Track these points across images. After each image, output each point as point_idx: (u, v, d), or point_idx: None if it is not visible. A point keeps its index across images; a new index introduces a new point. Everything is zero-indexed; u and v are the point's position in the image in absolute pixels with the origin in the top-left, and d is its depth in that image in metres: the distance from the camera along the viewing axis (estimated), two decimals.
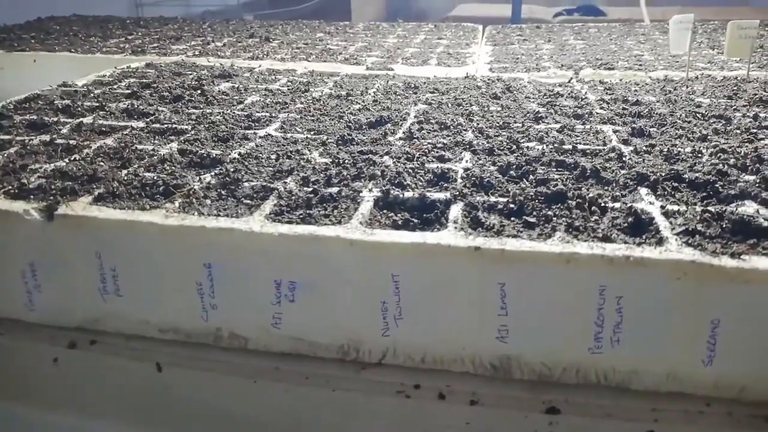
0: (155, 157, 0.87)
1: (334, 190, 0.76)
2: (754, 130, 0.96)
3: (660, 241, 0.62)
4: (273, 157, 0.88)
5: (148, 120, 1.06)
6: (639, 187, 0.75)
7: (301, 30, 2.24)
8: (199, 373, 0.71)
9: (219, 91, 1.27)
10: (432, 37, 2.07)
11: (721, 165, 0.80)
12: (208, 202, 0.74)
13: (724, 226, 0.65)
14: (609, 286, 0.60)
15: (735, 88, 1.24)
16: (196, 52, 1.77)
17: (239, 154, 0.88)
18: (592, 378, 0.65)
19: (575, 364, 0.65)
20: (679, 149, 0.88)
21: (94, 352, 0.75)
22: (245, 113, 1.10)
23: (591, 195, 0.71)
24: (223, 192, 0.76)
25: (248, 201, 0.74)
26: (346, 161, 0.85)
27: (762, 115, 1.05)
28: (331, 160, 0.86)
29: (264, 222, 0.68)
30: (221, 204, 0.74)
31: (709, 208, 0.68)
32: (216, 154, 0.88)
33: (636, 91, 1.25)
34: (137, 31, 2.19)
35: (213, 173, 0.81)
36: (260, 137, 0.97)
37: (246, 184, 0.78)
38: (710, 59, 1.58)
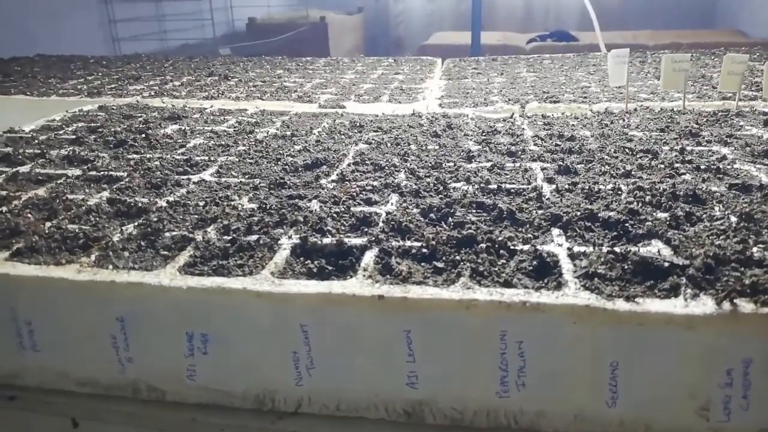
0: (83, 208, 0.87)
1: (253, 238, 0.76)
2: (678, 165, 0.99)
3: (559, 285, 0.63)
4: (201, 204, 0.88)
5: (86, 167, 1.06)
6: (552, 228, 0.77)
7: (262, 67, 2.27)
8: (114, 426, 0.71)
9: (164, 134, 1.28)
10: (389, 72, 2.11)
11: (635, 203, 0.82)
12: (126, 254, 0.74)
13: (625, 267, 0.66)
14: (509, 332, 0.61)
15: (669, 120, 1.28)
16: (152, 93, 1.79)
17: (167, 201, 0.89)
18: (503, 421, 0.65)
19: (485, 408, 0.65)
20: (600, 186, 0.90)
21: (11, 409, 0.75)
22: (185, 157, 1.11)
23: (501, 238, 0.72)
24: (142, 243, 0.77)
25: (165, 252, 0.74)
26: (273, 207, 0.86)
27: (689, 148, 1.08)
28: (258, 205, 0.87)
29: (175, 275, 0.68)
30: (139, 256, 0.74)
31: (616, 248, 0.70)
32: (144, 203, 0.88)
33: (573, 125, 1.28)
34: (98, 71, 2.21)
35: (136, 223, 0.82)
36: (194, 183, 0.98)
37: (167, 234, 0.78)
38: (653, 89, 1.63)
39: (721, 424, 0.61)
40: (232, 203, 0.88)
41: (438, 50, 4.34)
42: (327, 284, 0.65)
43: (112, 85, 1.92)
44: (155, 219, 0.82)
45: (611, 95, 1.58)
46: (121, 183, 0.98)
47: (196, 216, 0.84)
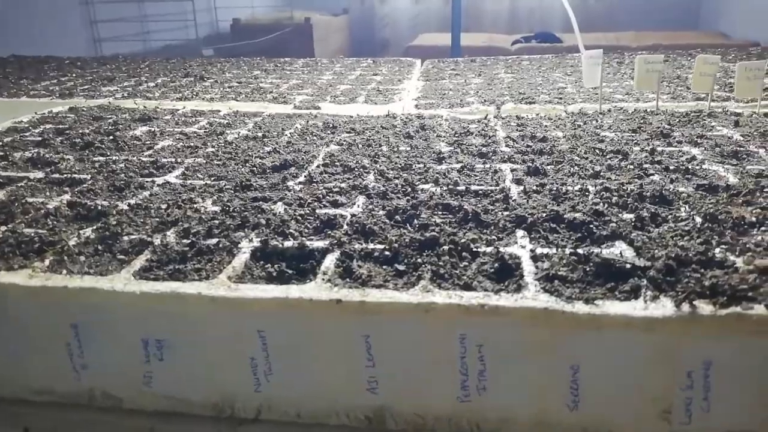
0: (41, 211, 0.85)
1: (213, 241, 0.75)
2: (647, 165, 0.99)
3: (519, 288, 0.62)
4: (163, 207, 0.86)
5: (48, 170, 1.04)
6: (517, 230, 0.76)
7: (239, 67, 2.25)
8: None
9: (132, 136, 1.26)
10: (368, 73, 2.10)
11: (601, 204, 0.81)
12: (82, 258, 0.72)
13: (587, 269, 0.65)
14: (468, 335, 0.60)
15: (642, 120, 1.28)
16: (126, 94, 1.76)
17: (129, 205, 0.87)
18: (465, 427, 0.64)
19: (446, 414, 0.64)
20: (568, 188, 0.90)
21: None
22: (151, 159, 1.09)
23: (463, 240, 0.71)
24: (99, 247, 0.75)
25: (122, 257, 0.72)
26: (236, 209, 0.84)
27: (659, 148, 1.08)
28: (221, 207, 0.85)
29: (129, 280, 0.66)
30: (95, 260, 0.72)
31: (579, 250, 0.69)
32: (104, 206, 0.86)
33: (546, 127, 1.27)
34: (72, 72, 2.17)
35: (95, 227, 0.80)
36: (158, 185, 0.96)
37: (125, 238, 0.77)
38: (629, 90, 1.63)
39: (683, 427, 0.61)
40: (195, 206, 0.87)
41: (423, 51, 4.34)
42: (284, 289, 0.63)
43: (85, 87, 1.89)
44: (114, 223, 0.80)
45: (587, 96, 1.58)
46: (84, 186, 0.96)
47: (157, 219, 0.82)
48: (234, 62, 2.38)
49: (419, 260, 0.68)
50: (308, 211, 0.83)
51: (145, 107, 1.56)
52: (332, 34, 5.20)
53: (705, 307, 0.57)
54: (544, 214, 0.79)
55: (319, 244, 0.73)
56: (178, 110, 1.52)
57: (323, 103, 1.62)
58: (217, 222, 0.80)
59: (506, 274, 0.66)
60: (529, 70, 2.03)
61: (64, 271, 0.69)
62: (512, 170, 0.99)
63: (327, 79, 1.98)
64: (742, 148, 1.07)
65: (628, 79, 1.78)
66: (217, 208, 0.86)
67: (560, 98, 1.56)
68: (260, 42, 4.41)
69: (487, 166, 1.02)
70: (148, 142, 1.22)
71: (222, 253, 0.72)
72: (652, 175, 0.94)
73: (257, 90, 1.79)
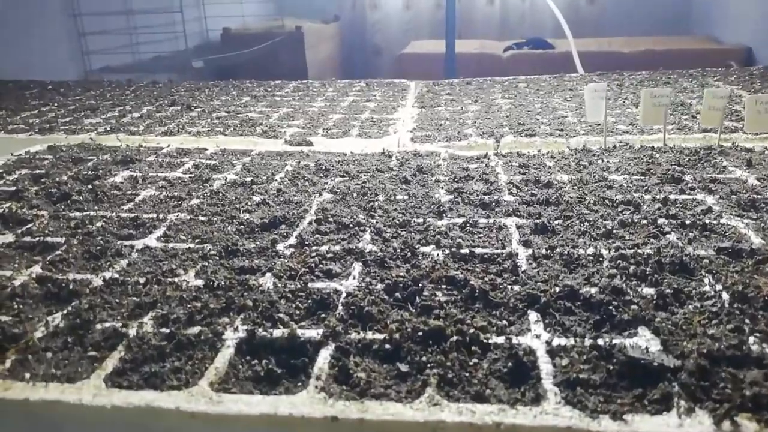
0: (7, 289, 0.78)
1: (195, 330, 0.68)
2: (661, 220, 0.93)
3: (537, 398, 0.55)
4: (141, 281, 0.79)
5: (20, 231, 0.97)
6: (529, 311, 0.69)
7: (228, 93, 2.17)
8: None
9: (112, 184, 1.19)
10: (360, 98, 2.03)
11: (618, 276, 0.75)
12: (49, 355, 0.65)
13: (611, 369, 0.59)
14: None
15: (650, 161, 1.22)
16: (109, 128, 1.68)
17: (104, 280, 0.80)
18: None
19: None
20: (580, 251, 0.83)
21: None
22: (131, 215, 1.02)
23: (472, 330, 0.64)
24: (69, 340, 0.68)
25: (94, 353, 0.65)
26: (221, 284, 0.77)
27: (672, 196, 1.02)
28: (204, 282, 0.78)
29: (100, 388, 0.59)
30: (63, 357, 0.65)
31: (599, 341, 0.63)
32: (78, 282, 0.79)
33: (550, 168, 1.21)
34: (54, 100, 2.09)
35: (66, 311, 0.72)
36: (137, 251, 0.89)
37: (98, 326, 0.69)
38: (632, 120, 1.57)
39: None
40: (177, 280, 0.80)
41: (416, 59, 4.28)
42: (273, 401, 0.56)
43: (67, 119, 1.81)
44: (87, 306, 0.73)
45: (589, 127, 1.52)
46: (57, 253, 0.88)
47: (134, 299, 0.75)
48: (222, 87, 2.31)
49: (424, 358, 0.61)
50: (299, 285, 0.77)
51: (127, 146, 1.48)
52: (324, 41, 5.12)
53: (748, 425, 0.51)
54: (557, 289, 0.72)
55: (311, 333, 0.66)
56: (163, 149, 1.45)
57: (315, 137, 1.55)
58: (199, 305, 0.73)
59: (522, 374, 0.59)
60: (527, 95, 1.97)
61: (27, 375, 0.62)
62: (518, 227, 0.93)
63: (318, 107, 1.91)
64: (759, 196, 1.00)
65: (631, 106, 1.72)
66: (200, 282, 0.79)
67: (561, 130, 1.50)
68: (251, 52, 4.33)
69: (491, 221, 0.96)
70: (129, 192, 1.14)
71: (204, 347, 0.65)
72: (668, 233, 0.88)
73: (246, 122, 1.71)
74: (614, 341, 0.62)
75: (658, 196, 1.02)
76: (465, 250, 0.85)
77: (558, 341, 0.63)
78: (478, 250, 0.85)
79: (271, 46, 4.50)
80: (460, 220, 0.96)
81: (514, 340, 0.64)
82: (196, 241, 0.92)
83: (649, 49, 4.08)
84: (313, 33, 4.74)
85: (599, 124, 1.49)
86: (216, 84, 2.38)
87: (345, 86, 2.28)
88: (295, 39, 4.55)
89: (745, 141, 1.35)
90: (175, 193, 1.13)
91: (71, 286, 0.78)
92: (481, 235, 0.91)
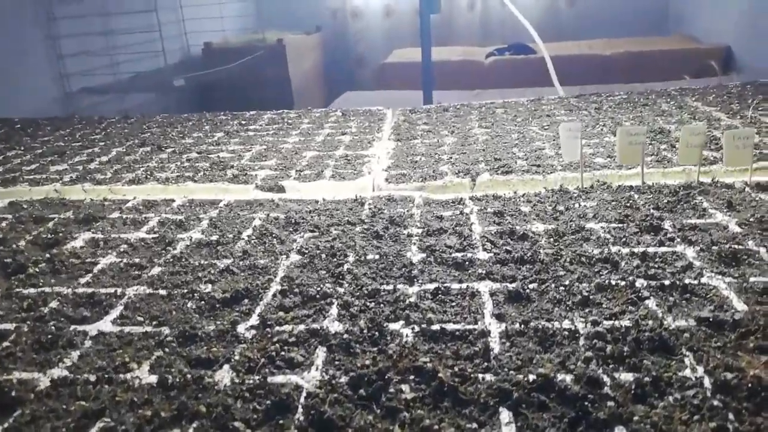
0: None
1: None
2: (640, 281, 0.89)
3: None
4: (92, 380, 0.74)
5: None
6: (501, 408, 0.65)
7: (200, 129, 2.12)
8: None
9: (72, 250, 1.13)
10: (336, 131, 1.98)
11: (595, 360, 0.71)
12: None
13: None
14: None
15: (628, 203, 1.19)
16: (75, 176, 1.63)
17: (52, 380, 0.75)
18: None
19: None
20: (555, 324, 0.79)
21: None
22: (88, 291, 0.97)
23: None
24: None
25: None
26: (175, 382, 0.73)
27: (651, 249, 0.99)
28: (158, 379, 0.74)
29: None
30: None
31: None
32: (22, 385, 0.74)
33: (526, 216, 1.17)
34: (21, 144, 2.03)
35: (5, 425, 0.67)
36: (91, 338, 0.84)
37: None
38: (610, 151, 1.54)
39: None
40: (129, 377, 0.75)
41: (398, 68, 4.25)
42: None
43: (33, 166, 1.75)
44: (29, 418, 0.68)
45: (566, 163, 1.48)
46: (5, 344, 0.83)
47: (82, 404, 0.70)
48: (195, 121, 2.25)
49: None
50: (258, 381, 0.72)
51: (92, 200, 1.43)
52: (306, 53, 5.08)
53: None
54: (531, 379, 0.68)
55: None
56: (128, 202, 1.39)
57: (287, 180, 1.50)
58: (150, 413, 0.68)
59: None
60: (504, 123, 1.93)
61: None
62: (492, 294, 0.89)
63: (293, 143, 1.87)
64: (740, 247, 0.97)
65: (609, 134, 1.69)
66: (154, 379, 0.74)
67: (538, 165, 1.47)
68: (233, 67, 4.28)
69: (464, 285, 0.91)
70: (89, 260, 1.09)
71: None
72: (647, 298, 0.84)
73: (217, 164, 1.67)
74: None
75: (636, 250, 0.99)
76: (435, 327, 0.81)
77: None
78: (449, 327, 0.81)
79: (253, 60, 4.46)
80: (432, 287, 0.92)
81: None
82: (154, 323, 0.87)
83: (629, 50, 4.08)
84: (294, 45, 4.70)
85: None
86: (189, 118, 2.32)
87: (321, 116, 2.24)
88: (277, 52, 4.51)
89: (724, 174, 1.32)
90: (137, 260, 1.08)
91: (14, 394, 0.73)
92: (453, 304, 0.87)
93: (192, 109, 3.36)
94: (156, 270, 1.04)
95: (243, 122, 2.20)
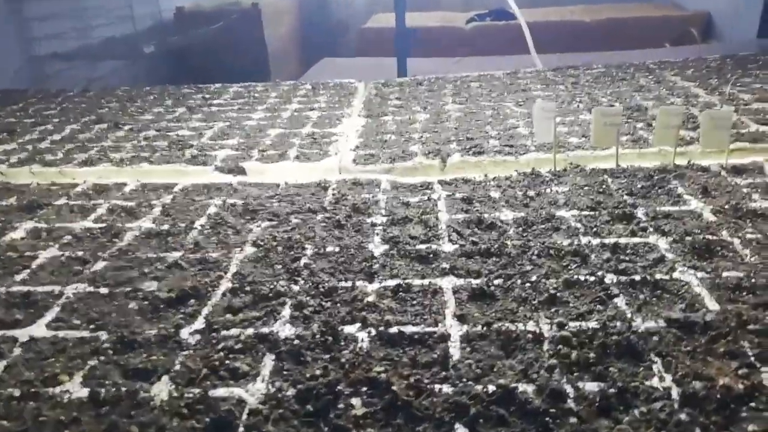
0: None
1: None
2: (609, 277, 0.84)
3: None
4: (16, 396, 0.68)
5: None
6: (456, 424, 0.61)
7: (162, 104, 2.02)
8: None
9: (10, 242, 1.06)
10: (304, 106, 1.90)
11: (559, 369, 0.66)
12: None
13: None
14: None
15: (601, 188, 1.14)
16: (24, 156, 1.54)
17: None
18: None
19: None
20: (519, 326, 0.75)
21: None
22: (23, 290, 0.90)
23: None
24: None
25: None
26: (108, 397, 0.67)
27: (622, 240, 0.94)
28: (89, 394, 0.68)
29: None
30: None
31: None
32: None
33: (495, 202, 1.12)
34: None
35: None
36: (20, 345, 0.78)
37: None
38: (585, 130, 1.48)
39: None
40: (58, 391, 0.69)
41: (377, 33, 4.12)
42: None
43: None
44: None
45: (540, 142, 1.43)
46: None
47: (3, 423, 0.64)
48: (157, 95, 2.15)
49: None
50: (198, 395, 0.67)
51: (38, 184, 1.34)
52: (283, 16, 4.90)
53: None
54: (491, 391, 0.64)
55: None
56: (77, 186, 1.31)
57: (248, 161, 1.43)
58: None
59: None
60: (479, 98, 1.86)
61: None
62: (455, 291, 0.84)
63: (257, 119, 1.78)
64: (714, 237, 0.93)
65: (585, 111, 1.63)
66: (84, 394, 0.68)
67: (511, 145, 1.41)
68: (206, 32, 4.12)
69: (426, 282, 0.86)
70: (28, 253, 1.02)
71: None
72: (617, 296, 0.80)
73: (176, 143, 1.58)
74: None
75: (607, 241, 0.94)
76: (393, 330, 0.76)
77: None
78: (408, 329, 0.76)
79: (227, 24, 4.29)
80: (393, 283, 0.86)
81: None
82: (91, 327, 0.81)
83: (610, 17, 4.02)
84: (270, 8, 4.52)
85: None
86: (151, 91, 2.21)
87: (289, 90, 2.15)
88: (252, 16, 4.34)
89: (701, 155, 1.28)
90: (80, 253, 1.01)
91: None
92: (413, 303, 0.82)
93: (163, 78, 3.22)
94: (100, 265, 0.97)
95: (207, 96, 2.10)
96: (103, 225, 1.12)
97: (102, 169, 1.43)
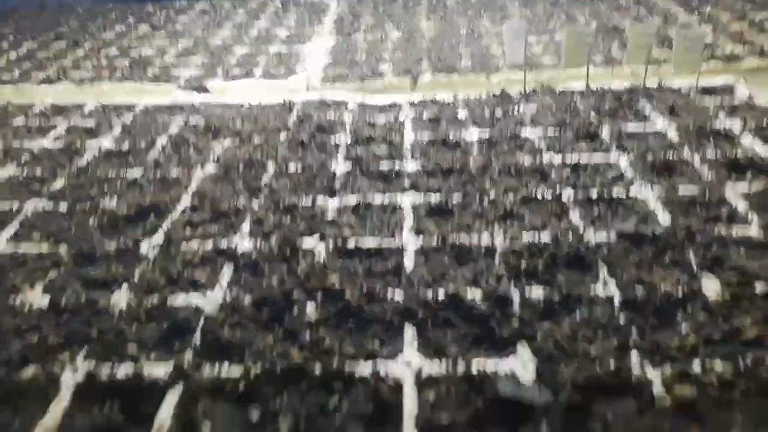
0: None
1: (29, 373, 0.59)
2: (568, 192, 0.86)
3: None
4: None
5: None
6: (405, 327, 0.63)
7: (123, 21, 1.93)
8: None
9: None
10: (272, 25, 1.83)
11: (506, 279, 0.68)
12: None
13: (479, 408, 0.54)
14: None
15: (568, 108, 1.13)
16: None
17: None
18: None
19: None
20: (473, 239, 0.76)
21: None
22: None
23: (336, 366, 0.58)
24: None
25: None
26: (68, 305, 0.68)
27: (584, 160, 0.95)
28: (50, 301, 0.69)
29: None
30: None
31: (472, 368, 0.57)
32: None
33: (462, 121, 1.11)
34: None
35: None
36: None
37: None
38: (558, 47, 1.46)
39: None
40: (18, 302, 0.69)
41: None
42: None
43: None
44: None
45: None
46: None
47: None
48: (119, 13, 2.05)
49: (278, 402, 0.54)
50: (157, 302, 0.68)
51: None
52: None
53: None
54: (440, 299, 0.66)
55: (160, 371, 0.59)
56: (35, 107, 1.27)
57: (213, 79, 1.39)
58: (36, 338, 0.63)
59: (384, 415, 0.54)
60: (454, 15, 1.81)
61: None
62: (414, 207, 0.85)
63: (224, 38, 1.72)
64: (675, 156, 0.94)
65: (561, 30, 1.60)
66: (44, 303, 0.69)
67: (483, 64, 1.39)
68: None
69: (387, 200, 0.87)
70: None
71: (36, 397, 0.57)
72: (572, 212, 0.82)
73: (138, 62, 1.53)
74: (488, 368, 0.57)
75: (569, 160, 0.95)
76: (351, 244, 0.77)
77: (429, 368, 0.57)
78: (365, 244, 0.77)
79: None
80: (354, 201, 0.87)
81: (382, 371, 0.57)
82: (51, 240, 0.81)
83: None
84: None
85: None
86: (112, 9, 2.11)
87: (258, 7, 2.06)
88: None
89: (673, 76, 1.27)
90: (38, 173, 0.99)
91: None
92: (372, 222, 0.83)
93: None
94: (59, 183, 0.96)
95: (172, 14, 2.01)
96: (62, 145, 1.10)
97: (61, 89, 1.39)
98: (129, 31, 1.82)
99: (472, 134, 1.05)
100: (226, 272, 0.73)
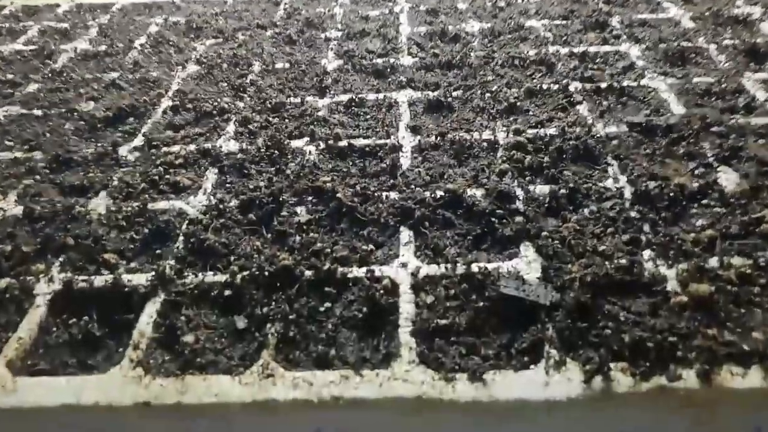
0: None
1: (2, 284, 0.56)
2: (575, 84, 0.79)
3: (388, 357, 0.48)
4: None
5: None
6: (401, 227, 0.59)
7: None
8: None
9: None
10: None
11: (509, 174, 0.64)
12: None
13: (480, 306, 0.51)
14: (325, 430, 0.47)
15: None
16: None
17: None
18: None
19: None
20: (474, 135, 0.71)
21: None
22: None
23: (327, 266, 0.54)
24: None
25: None
26: (43, 213, 0.64)
27: (592, 49, 0.88)
28: (24, 211, 0.65)
29: None
30: None
31: (473, 267, 0.54)
32: None
33: (462, 13, 1.03)
34: None
35: None
36: None
37: None
38: None
39: None
40: None
41: None
42: (77, 386, 0.47)
43: None
44: None
45: None
46: None
47: None
48: None
49: (266, 309, 0.52)
50: (137, 208, 0.64)
51: None
52: None
53: (621, 379, 0.45)
54: (438, 197, 0.62)
55: (140, 279, 0.55)
56: (5, 9, 1.18)
57: None
58: (10, 248, 0.60)
59: (378, 320, 0.51)
60: None
61: None
62: (410, 104, 0.79)
63: None
64: (689, 44, 0.87)
65: None
66: (19, 211, 0.65)
67: None
68: None
69: (381, 96, 0.81)
70: None
71: (11, 308, 0.54)
72: (579, 103, 0.76)
73: None
74: (489, 267, 0.53)
75: (576, 50, 0.88)
76: (343, 143, 0.72)
77: (426, 270, 0.54)
78: (358, 142, 0.72)
79: None
80: (345, 98, 0.81)
81: (378, 271, 0.54)
82: (25, 147, 0.76)
83: None
84: None
85: None
86: None
87: None
88: None
89: None
90: (11, 76, 0.93)
91: None
92: (365, 119, 0.77)
93: None
94: (32, 87, 0.90)
95: None
96: (35, 47, 1.02)
97: None
98: None
99: (473, 26, 0.97)
100: (211, 175, 0.69)
